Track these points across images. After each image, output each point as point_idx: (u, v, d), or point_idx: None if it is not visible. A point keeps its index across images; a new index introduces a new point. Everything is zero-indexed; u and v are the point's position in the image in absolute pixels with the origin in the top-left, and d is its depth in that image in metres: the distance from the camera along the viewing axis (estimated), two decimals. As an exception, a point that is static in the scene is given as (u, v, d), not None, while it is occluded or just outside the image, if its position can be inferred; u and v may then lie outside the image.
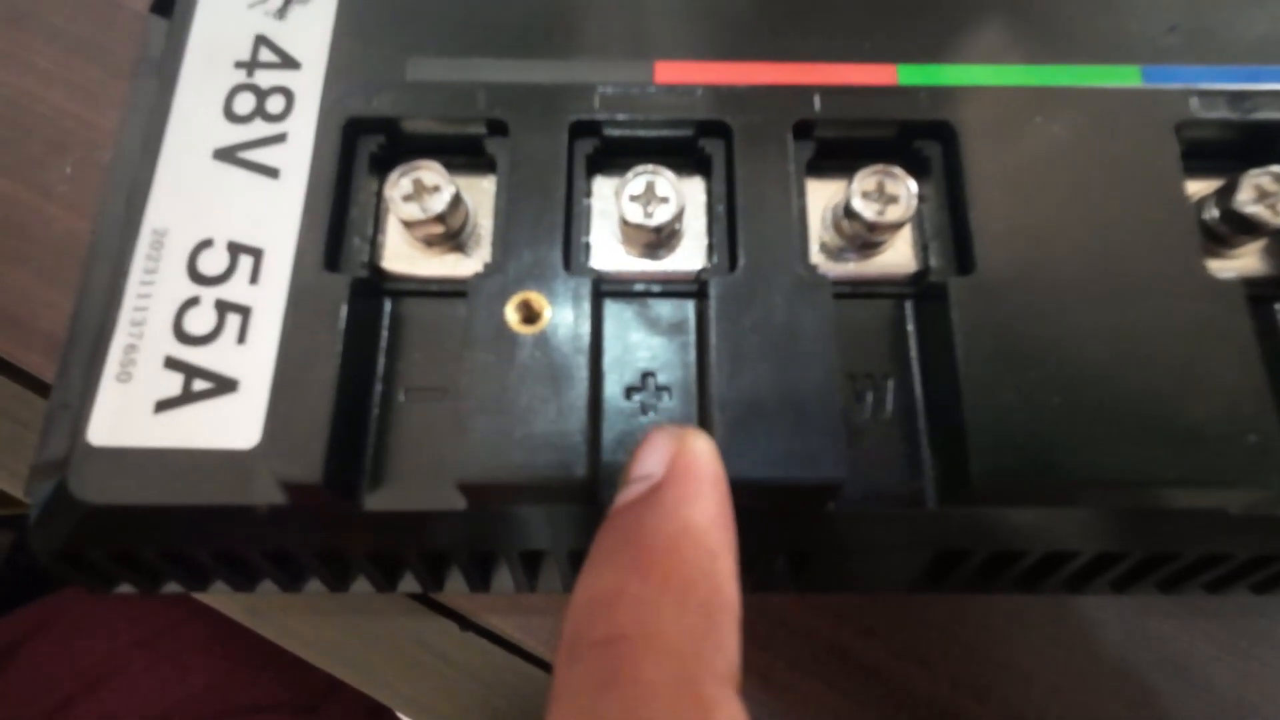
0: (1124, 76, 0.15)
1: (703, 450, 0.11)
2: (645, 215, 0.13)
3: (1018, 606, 0.23)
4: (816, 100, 0.14)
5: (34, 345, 0.25)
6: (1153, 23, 0.16)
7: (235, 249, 0.14)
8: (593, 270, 0.14)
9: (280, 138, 0.15)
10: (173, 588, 0.16)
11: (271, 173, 0.15)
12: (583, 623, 0.10)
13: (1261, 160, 0.14)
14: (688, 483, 0.10)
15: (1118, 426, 0.12)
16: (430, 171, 0.13)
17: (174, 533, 0.14)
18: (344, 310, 0.13)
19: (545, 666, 0.22)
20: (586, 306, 0.13)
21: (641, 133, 0.14)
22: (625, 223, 0.13)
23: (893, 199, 0.13)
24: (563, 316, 0.13)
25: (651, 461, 0.11)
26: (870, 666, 0.23)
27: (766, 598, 0.23)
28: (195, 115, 0.15)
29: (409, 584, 0.16)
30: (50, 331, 0.26)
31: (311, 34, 0.16)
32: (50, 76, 0.28)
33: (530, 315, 0.13)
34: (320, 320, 0.13)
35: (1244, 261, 0.15)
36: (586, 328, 0.12)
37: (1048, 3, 0.16)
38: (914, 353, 0.14)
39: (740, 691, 0.10)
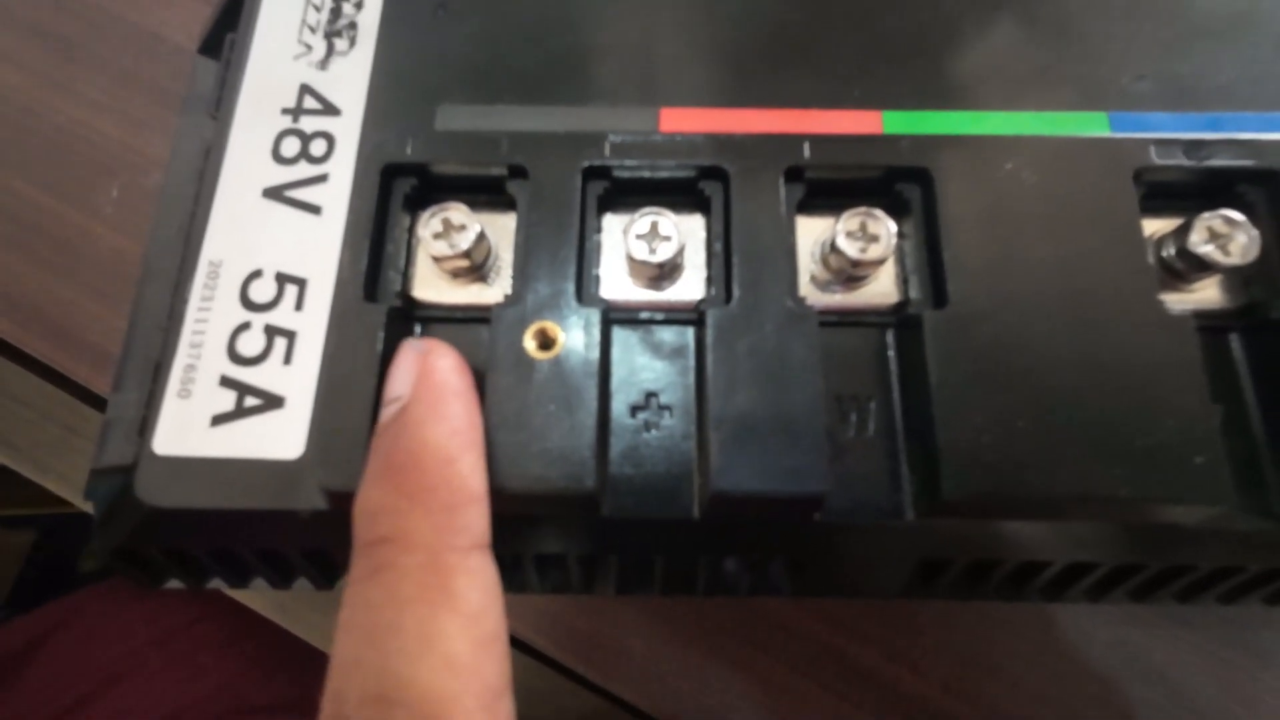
0: (1092, 124, 0.17)
1: (443, 368, 0.13)
2: (650, 252, 0.15)
3: (1009, 614, 0.24)
4: (806, 148, 0.15)
5: (82, 357, 0.27)
6: (1123, 71, 0.17)
7: (282, 279, 0.16)
8: (602, 300, 0.15)
9: (323, 178, 0.17)
10: (215, 584, 0.18)
11: (315, 210, 0.17)
12: (359, 530, 0.13)
13: (1217, 202, 0.16)
14: (428, 402, 0.13)
15: (1078, 447, 0.13)
16: (458, 212, 0.15)
17: (223, 533, 0.15)
18: (381, 336, 0.14)
19: (551, 663, 0.24)
20: (596, 335, 0.14)
21: (647, 174, 0.16)
22: (631, 259, 0.15)
23: (874, 238, 0.15)
24: (575, 343, 0.14)
25: (399, 383, 0.13)
26: (865, 669, 0.24)
27: (767, 602, 0.25)
28: (247, 157, 0.17)
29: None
30: (96, 344, 0.27)
31: (350, 83, 0.18)
32: (99, 105, 0.30)
33: (546, 342, 0.14)
34: (360, 344, 0.14)
35: (1203, 294, 0.16)
36: (596, 354, 0.14)
37: (1024, 51, 0.18)
38: (895, 377, 0.15)
39: (488, 550, 0.12)
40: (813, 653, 0.24)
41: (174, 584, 0.18)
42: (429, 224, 0.15)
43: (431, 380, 0.13)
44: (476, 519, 0.12)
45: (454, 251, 0.15)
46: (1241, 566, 0.16)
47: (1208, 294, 0.16)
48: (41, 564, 0.52)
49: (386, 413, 0.13)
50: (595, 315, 0.14)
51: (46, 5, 0.31)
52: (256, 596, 0.25)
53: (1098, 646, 0.24)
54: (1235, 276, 0.16)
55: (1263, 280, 0.15)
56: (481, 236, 0.15)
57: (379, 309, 0.14)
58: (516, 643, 0.24)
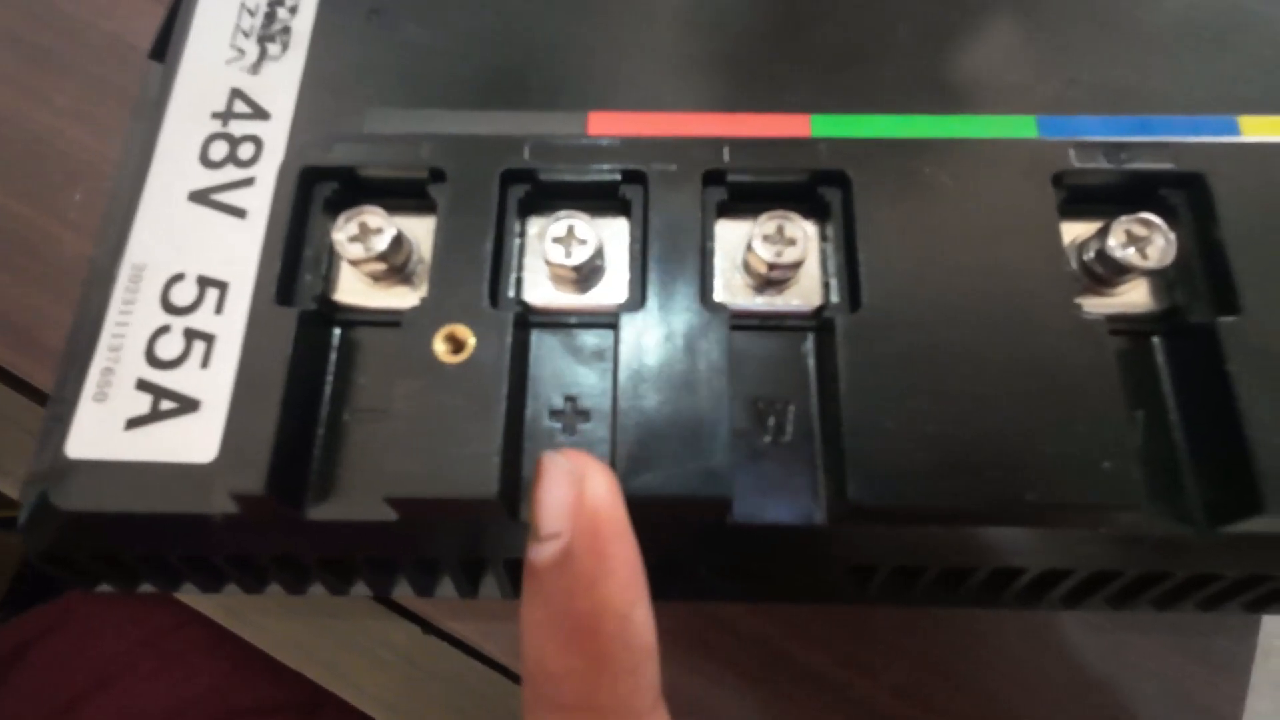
0: (1021, 127, 0.17)
1: (601, 499, 0.12)
2: (565, 255, 0.15)
3: (964, 619, 0.24)
4: (725, 151, 0.15)
5: (45, 361, 0.27)
6: (1053, 75, 0.17)
7: (204, 282, 0.16)
8: (518, 304, 0.15)
9: (249, 181, 0.17)
10: (148, 587, 0.18)
11: (239, 213, 0.17)
12: (538, 689, 0.12)
13: (1141, 206, 0.15)
14: (596, 553, 0.12)
15: (988, 454, 0.13)
16: (374, 215, 0.15)
17: (143, 538, 0.15)
18: (292, 339, 0.14)
19: (501, 670, 0.24)
20: (508, 338, 0.14)
21: (570, 178, 0.16)
22: (549, 262, 0.15)
23: (791, 241, 0.15)
24: (486, 347, 0.14)
25: (554, 516, 0.12)
26: (815, 673, 0.24)
27: (720, 607, 0.25)
28: (175, 160, 0.17)
29: (361, 589, 0.18)
30: (57, 348, 0.28)
31: (281, 87, 0.18)
32: (67, 111, 0.30)
33: (456, 346, 0.14)
34: (271, 348, 0.14)
35: (1126, 298, 0.16)
36: (506, 358, 0.14)
37: (957, 55, 0.18)
38: (813, 382, 0.15)
39: (660, 699, 0.12)
40: (764, 657, 0.24)
41: (106, 587, 0.18)
42: (344, 227, 0.15)
43: (594, 522, 0.12)
44: (653, 672, 0.12)
45: (369, 254, 0.15)
46: (1168, 572, 0.16)
47: (1131, 298, 0.16)
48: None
49: (544, 551, 0.12)
50: (508, 318, 0.14)
51: (20, 14, 0.32)
52: (205, 600, 0.25)
53: (1051, 652, 0.24)
54: (1159, 280, 0.16)
55: (1185, 284, 0.15)
56: (399, 239, 0.15)
57: (291, 313, 0.14)
58: (466, 648, 0.24)
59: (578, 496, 0.12)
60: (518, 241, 0.16)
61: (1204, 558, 0.15)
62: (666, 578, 0.17)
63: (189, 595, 0.25)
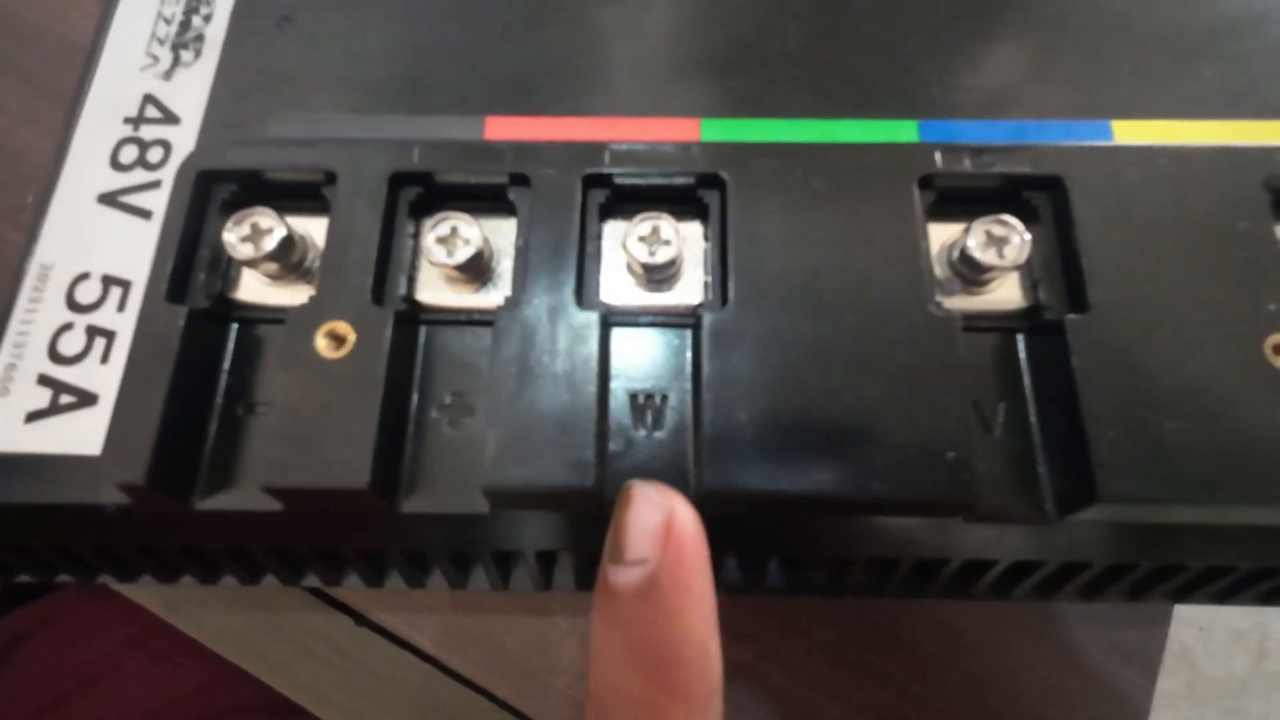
0: (902, 131, 0.17)
1: (690, 533, 0.12)
2: (447, 255, 0.15)
3: (880, 613, 0.25)
4: (606, 155, 0.16)
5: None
6: (936, 81, 0.18)
7: (108, 281, 0.17)
8: (404, 302, 0.16)
9: (156, 184, 0.17)
10: (65, 578, 0.19)
11: (145, 214, 0.17)
12: (612, 710, 0.12)
13: (1009, 206, 0.16)
14: (682, 583, 0.12)
15: (838, 446, 0.14)
16: (265, 216, 0.15)
17: (45, 528, 0.16)
18: (179, 335, 0.15)
19: (430, 660, 0.24)
20: (387, 335, 0.15)
21: (458, 180, 0.16)
22: (430, 261, 0.15)
23: (665, 242, 0.15)
24: (366, 343, 0.15)
25: (643, 542, 0.12)
26: (733, 666, 0.24)
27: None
28: (86, 163, 0.18)
29: (273, 580, 0.18)
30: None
31: (192, 93, 0.18)
32: (21, 116, 0.30)
33: (338, 342, 0.15)
34: (159, 344, 0.15)
35: (998, 296, 0.16)
36: (385, 353, 0.14)
37: (846, 61, 0.18)
38: (698, 370, 0.15)
39: None
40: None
41: (25, 578, 0.19)
42: (234, 228, 0.15)
43: (683, 554, 0.12)
44: (720, 708, 0.12)
45: (260, 254, 0.15)
46: (1040, 562, 0.16)
47: (1001, 296, 0.16)
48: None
49: (628, 576, 0.12)
50: (388, 315, 0.15)
51: (-31, 19, 0.32)
52: (146, 594, 0.25)
53: (969, 644, 0.24)
54: (1026, 279, 0.16)
55: (1048, 283, 0.16)
56: (289, 240, 0.16)
57: (181, 310, 0.15)
58: (396, 639, 0.25)
59: (666, 524, 0.12)
60: (410, 242, 0.16)
61: (1065, 547, 0.16)
62: (552, 567, 0.18)
63: (130, 588, 0.25)
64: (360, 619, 0.25)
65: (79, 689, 0.35)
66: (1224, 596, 0.18)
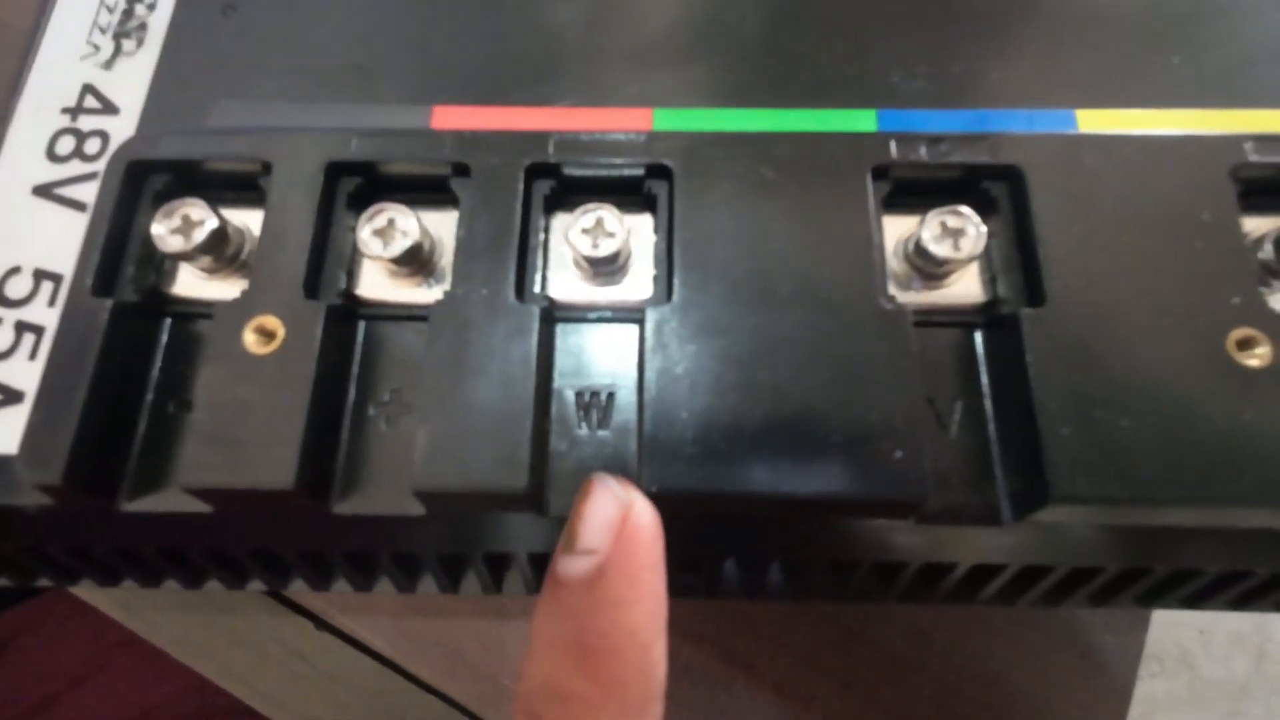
0: (860, 120, 0.17)
1: (644, 528, 0.12)
2: (383, 247, 0.15)
3: (846, 616, 0.24)
4: (550, 145, 0.15)
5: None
6: (896, 69, 0.17)
7: (40, 275, 0.16)
8: (340, 296, 0.15)
9: (93, 175, 0.17)
10: (3, 581, 0.18)
11: (81, 207, 0.17)
12: (541, 705, 0.12)
13: (967, 197, 0.16)
14: (631, 578, 0.12)
15: (783, 443, 0.13)
16: (196, 208, 0.15)
17: (-29, 529, 0.15)
18: (103, 331, 0.14)
19: (390, 664, 0.24)
20: (318, 330, 0.14)
21: (400, 171, 0.16)
22: (366, 254, 0.15)
23: (610, 234, 0.15)
24: (296, 338, 0.14)
25: (597, 532, 0.12)
26: (697, 670, 0.24)
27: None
28: (21, 155, 0.17)
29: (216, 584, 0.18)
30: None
31: (133, 83, 0.18)
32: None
33: (267, 337, 0.14)
34: (81, 340, 0.14)
35: (958, 289, 0.16)
36: (315, 349, 0.14)
37: (804, 48, 0.18)
38: (642, 367, 0.15)
39: None
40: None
41: (-38, 581, 0.18)
42: (164, 221, 0.15)
43: (635, 547, 0.12)
44: (661, 712, 0.12)
45: (190, 247, 0.15)
46: (1002, 565, 0.16)
47: (960, 289, 0.16)
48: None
49: (577, 565, 0.12)
50: (320, 310, 0.14)
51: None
52: (100, 595, 0.25)
53: (936, 648, 0.24)
54: (985, 273, 0.16)
55: (1007, 276, 0.15)
56: (222, 232, 0.15)
57: (105, 304, 0.14)
58: (355, 643, 0.24)
59: (622, 518, 0.12)
60: (350, 235, 0.16)
61: (1025, 550, 0.15)
62: (503, 570, 0.17)
63: (87, 593, 0.25)
64: (320, 623, 0.24)
65: (67, 690, 0.34)
66: (1194, 601, 0.17)
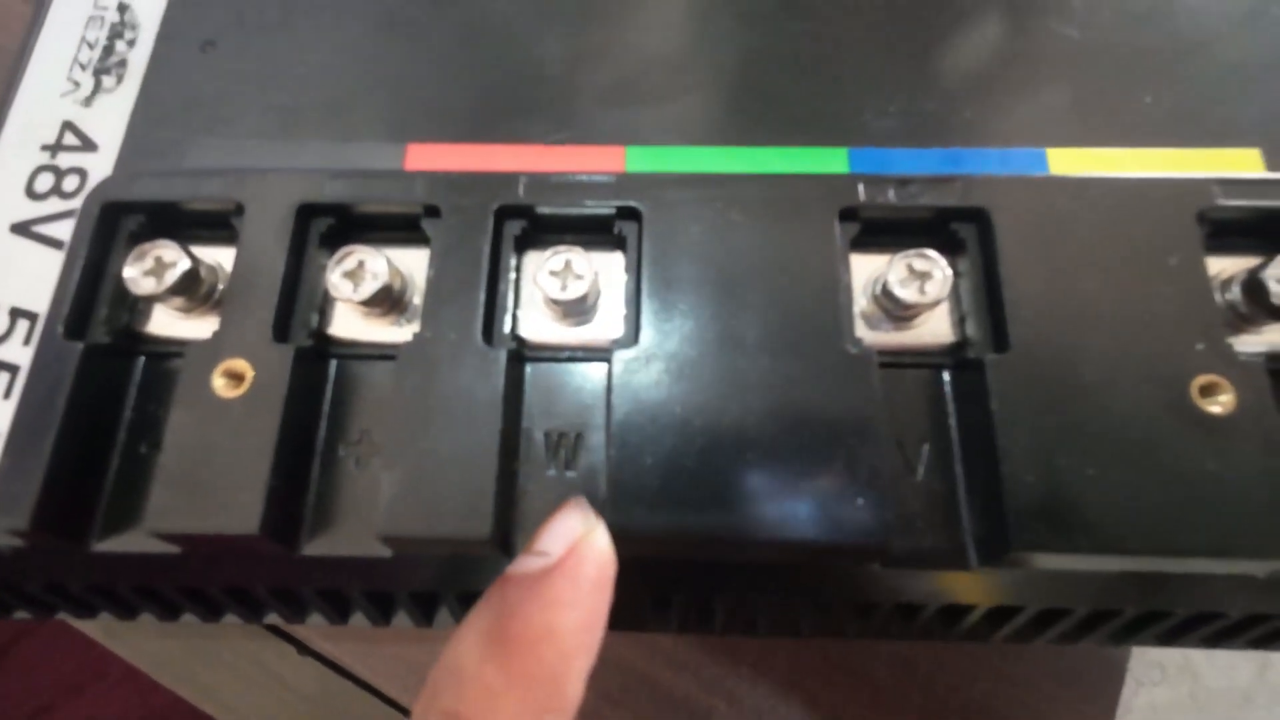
0: (831, 160, 0.17)
1: (598, 549, 0.12)
2: (353, 289, 0.15)
3: (829, 646, 0.24)
4: (520, 186, 0.16)
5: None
6: (868, 108, 0.17)
7: (16, 313, 0.16)
8: (310, 337, 0.15)
9: (70, 213, 0.17)
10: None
11: (58, 245, 0.17)
12: (441, 684, 0.12)
13: (936, 239, 0.16)
14: (572, 582, 0.12)
15: (747, 489, 0.13)
16: (168, 250, 0.15)
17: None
18: (73, 373, 0.14)
19: (372, 690, 0.24)
20: (286, 373, 0.14)
21: (372, 210, 0.16)
22: (335, 296, 0.15)
23: (578, 276, 0.15)
24: (265, 381, 0.14)
25: (555, 540, 0.12)
26: (679, 698, 0.24)
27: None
28: (0, 192, 0.17)
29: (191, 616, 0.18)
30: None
31: (112, 120, 0.18)
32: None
33: (236, 380, 0.14)
34: (52, 382, 0.14)
35: (926, 329, 0.16)
36: (283, 392, 0.14)
37: (777, 87, 0.18)
38: (611, 409, 0.15)
39: None
40: (627, 682, 0.24)
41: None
42: (136, 263, 0.15)
43: (586, 559, 0.12)
44: None
45: (162, 288, 0.15)
46: (972, 605, 0.16)
47: (927, 329, 0.16)
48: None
49: (528, 564, 0.12)
50: (289, 353, 0.14)
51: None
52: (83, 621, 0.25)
53: (921, 677, 0.24)
54: (955, 314, 0.16)
55: (976, 319, 0.15)
56: (193, 273, 0.15)
57: (76, 347, 0.15)
58: (338, 669, 0.24)
59: (585, 535, 0.12)
60: (322, 274, 0.16)
61: (993, 592, 0.15)
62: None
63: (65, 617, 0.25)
64: (302, 648, 0.24)
65: (62, 699, 0.35)
66: (1167, 639, 0.17)
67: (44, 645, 0.37)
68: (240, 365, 0.14)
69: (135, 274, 0.15)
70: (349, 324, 0.16)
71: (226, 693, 0.24)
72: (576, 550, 0.12)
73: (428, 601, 0.18)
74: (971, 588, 0.15)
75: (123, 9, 0.19)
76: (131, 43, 0.19)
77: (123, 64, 0.19)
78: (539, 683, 0.11)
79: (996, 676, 0.23)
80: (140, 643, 0.25)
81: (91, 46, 0.19)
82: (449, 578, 0.16)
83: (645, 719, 0.23)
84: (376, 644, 0.24)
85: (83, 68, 0.19)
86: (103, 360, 0.15)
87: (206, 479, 0.13)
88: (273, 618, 0.18)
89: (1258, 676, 0.29)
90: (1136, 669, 0.24)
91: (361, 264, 0.15)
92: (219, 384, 0.14)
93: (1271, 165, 0.16)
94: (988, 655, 0.23)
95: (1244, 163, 0.16)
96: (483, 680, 0.11)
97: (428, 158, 0.17)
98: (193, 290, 0.15)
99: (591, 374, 0.16)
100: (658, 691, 0.23)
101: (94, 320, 0.15)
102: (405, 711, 0.24)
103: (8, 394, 0.16)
